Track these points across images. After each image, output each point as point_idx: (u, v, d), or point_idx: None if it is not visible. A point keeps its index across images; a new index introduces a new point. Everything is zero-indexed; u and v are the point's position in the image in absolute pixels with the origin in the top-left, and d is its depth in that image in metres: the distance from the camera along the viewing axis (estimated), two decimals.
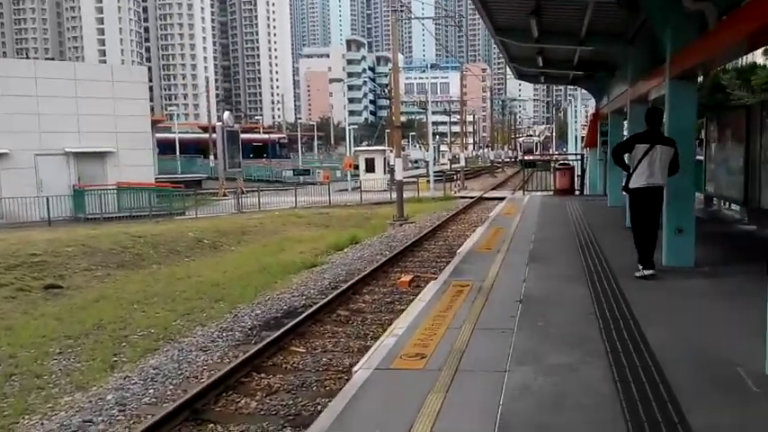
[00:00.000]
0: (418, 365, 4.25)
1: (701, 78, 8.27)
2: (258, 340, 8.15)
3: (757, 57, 19.64)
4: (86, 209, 23.41)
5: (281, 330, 8.14)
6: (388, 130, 47.30)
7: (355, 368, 4.35)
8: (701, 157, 12.85)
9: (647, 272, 6.83)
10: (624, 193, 7.20)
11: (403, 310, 7.95)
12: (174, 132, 47.79)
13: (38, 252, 14.67)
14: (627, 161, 6.86)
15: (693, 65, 6.80)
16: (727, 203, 12.74)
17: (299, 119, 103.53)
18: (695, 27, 6.91)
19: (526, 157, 33.89)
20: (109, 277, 13.79)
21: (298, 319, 8.60)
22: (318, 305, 9.36)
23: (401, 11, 24.32)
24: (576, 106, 28.19)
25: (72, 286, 12.95)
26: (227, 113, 29.24)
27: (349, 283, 10.82)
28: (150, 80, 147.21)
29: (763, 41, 5.36)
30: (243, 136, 44.54)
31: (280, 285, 11.77)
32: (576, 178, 19.55)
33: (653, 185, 6.69)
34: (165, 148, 45.34)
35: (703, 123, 13.03)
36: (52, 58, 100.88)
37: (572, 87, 27.34)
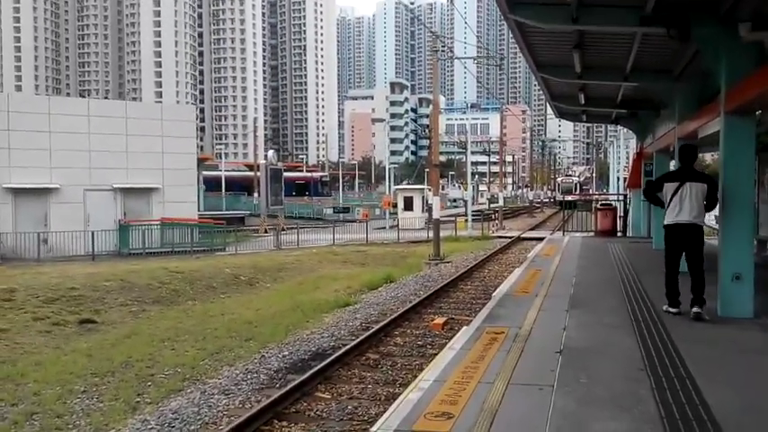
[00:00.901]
0: (444, 428, 3.80)
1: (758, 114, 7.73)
2: (283, 384, 7.81)
3: None
4: (130, 244, 23.81)
5: (307, 374, 7.78)
6: (427, 170, 47.15)
7: (373, 429, 3.93)
8: (755, 200, 12.06)
9: (672, 309, 7.04)
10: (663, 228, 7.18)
11: (435, 354, 7.51)
12: (221, 170, 48.83)
13: (76, 286, 14.85)
14: (661, 198, 6.99)
15: (752, 98, 6.31)
16: None
17: (342, 158, 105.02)
18: (752, 58, 6.46)
19: (566, 198, 32.92)
20: (143, 313, 13.79)
21: (325, 363, 8.24)
22: (347, 347, 8.98)
23: (442, 50, 24.33)
24: (617, 146, 27.42)
25: (106, 321, 12.97)
26: (270, 152, 29.72)
27: (380, 325, 10.43)
28: (203, 120, 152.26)
29: None
30: (286, 174, 45.23)
31: (311, 325, 11.46)
32: (618, 219, 18.76)
33: (681, 223, 6.72)
34: (211, 185, 46.36)
35: (756, 164, 12.27)
36: (106, 98, 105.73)
37: (613, 128, 26.78)
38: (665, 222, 6.90)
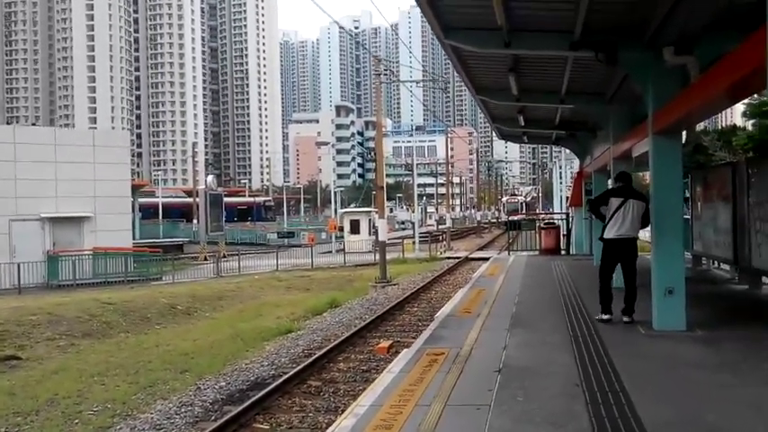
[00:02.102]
0: None
1: (694, 134, 8.09)
2: (219, 416, 7.46)
3: (737, 119, 19.96)
4: (60, 275, 22.68)
5: (244, 405, 7.48)
6: (374, 192, 47.27)
7: None
8: (688, 216, 12.57)
9: (605, 316, 7.53)
10: (600, 241, 7.56)
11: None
12: (158, 197, 47.49)
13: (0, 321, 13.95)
14: (603, 212, 7.37)
15: (677, 120, 6.56)
16: (717, 263, 12.38)
17: (287, 182, 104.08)
18: (677, 81, 6.71)
19: (511, 218, 33.10)
20: (72, 347, 13.07)
21: (263, 392, 7.95)
22: (287, 375, 8.71)
23: (386, 74, 24.58)
24: (560, 166, 28.26)
25: (32, 357, 12.22)
26: (209, 177, 29.05)
27: (323, 351, 10.20)
28: (140, 146, 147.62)
29: (747, 92, 5.10)
30: (227, 199, 44.45)
31: (251, 354, 11.10)
32: (561, 238, 19.20)
33: (624, 237, 7.18)
34: (148, 212, 44.95)
35: (688, 182, 12.84)
36: (34, 124, 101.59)
37: (557, 149, 27.55)
38: (607, 236, 7.28)
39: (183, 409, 7.94)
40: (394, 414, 4.35)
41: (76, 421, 7.97)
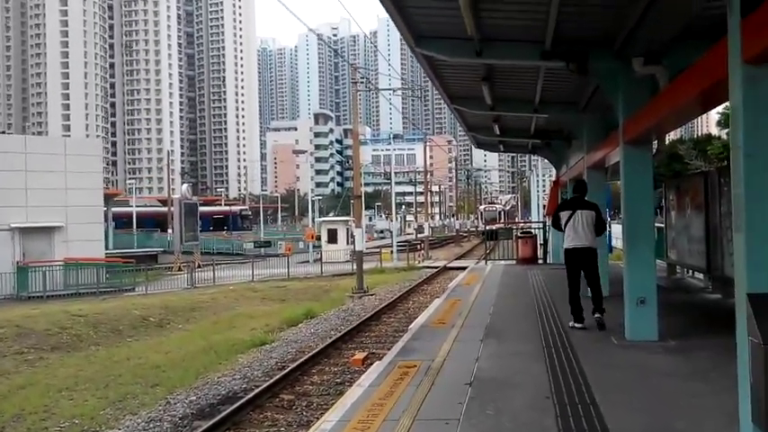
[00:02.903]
0: None
1: (656, 143, 8.15)
2: None
3: (712, 128, 20.41)
4: (29, 286, 22.18)
5: (214, 420, 7.33)
6: (353, 201, 47.10)
7: None
8: (661, 225, 12.71)
9: (577, 324, 7.70)
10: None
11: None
12: (132, 206, 46.76)
13: None
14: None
15: (646, 129, 6.59)
16: (691, 272, 12.50)
17: (265, 191, 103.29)
18: (647, 91, 6.77)
19: (488, 227, 32.78)
20: (41, 361, 12.81)
21: (234, 406, 7.80)
22: (260, 389, 8.57)
23: (361, 82, 24.56)
24: (537, 175, 28.44)
25: None
26: (184, 186, 28.72)
27: (297, 363, 10.07)
28: (114, 154, 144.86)
29: (716, 100, 5.13)
30: (203, 209, 43.91)
31: (223, 367, 10.92)
32: (538, 247, 19.26)
33: (578, 246, 7.50)
34: (122, 222, 44.20)
35: (662, 191, 12.99)
36: (3, 132, 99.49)
37: (536, 157, 27.73)
38: (565, 246, 7.71)
39: (151, 425, 7.78)
40: (361, 429, 4.26)
41: None
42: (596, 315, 7.62)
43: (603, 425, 4.25)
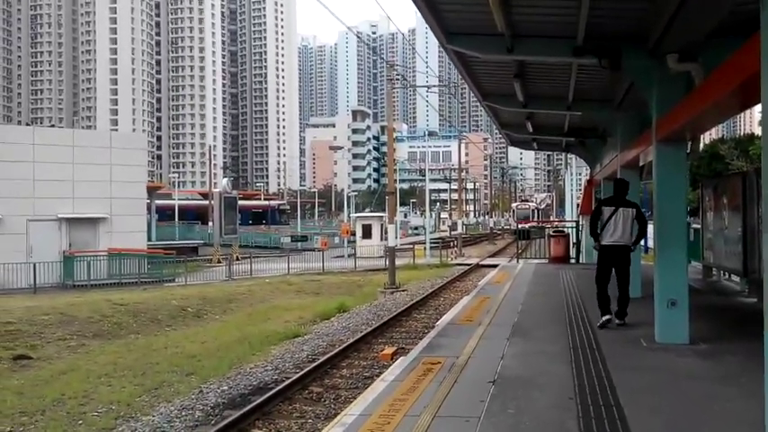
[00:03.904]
0: None
1: (697, 143, 7.98)
2: (218, 420, 7.49)
3: (755, 127, 19.72)
4: (75, 275, 22.93)
5: (245, 410, 7.49)
6: (387, 197, 47.12)
7: None
8: (698, 226, 12.39)
9: (604, 318, 7.78)
10: (595, 249, 8.02)
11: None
12: (174, 199, 47.89)
13: (13, 320, 14.18)
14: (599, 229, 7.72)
15: (680, 127, 6.45)
16: (727, 274, 12.16)
17: (303, 186, 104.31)
18: (681, 89, 6.62)
19: (520, 226, 31.82)
20: (82, 347, 13.22)
21: (264, 397, 7.96)
22: (290, 381, 8.71)
23: (397, 80, 24.58)
24: (572, 174, 27.97)
25: (42, 357, 12.39)
26: (224, 180, 29.25)
27: (327, 356, 10.19)
28: (159, 148, 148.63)
29: (750, 98, 4.97)
30: (242, 203, 44.63)
31: (257, 357, 11.13)
32: (571, 246, 18.99)
33: (618, 244, 7.55)
34: (165, 214, 45.32)
35: (699, 191, 12.68)
36: (53, 125, 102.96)
37: (571, 155, 27.25)
38: (603, 242, 7.64)
39: (183, 413, 7.99)
40: (382, 424, 4.32)
41: (80, 422, 8.04)
42: (617, 320, 7.78)
43: (626, 427, 4.21)
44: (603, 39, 6.78)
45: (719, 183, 11.73)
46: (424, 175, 48.29)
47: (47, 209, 23.63)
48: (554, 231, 19.50)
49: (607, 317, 7.78)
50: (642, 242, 11.98)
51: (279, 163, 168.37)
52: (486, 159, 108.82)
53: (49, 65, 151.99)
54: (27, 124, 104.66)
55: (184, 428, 7.41)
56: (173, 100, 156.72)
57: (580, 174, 30.63)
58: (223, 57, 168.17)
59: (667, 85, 6.77)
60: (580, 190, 28.31)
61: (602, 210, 7.71)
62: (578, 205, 24.63)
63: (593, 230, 7.83)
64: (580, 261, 18.54)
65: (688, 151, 7.22)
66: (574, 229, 20.48)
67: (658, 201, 6.94)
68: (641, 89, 7.38)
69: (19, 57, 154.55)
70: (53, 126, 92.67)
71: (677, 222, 6.93)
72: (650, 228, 9.19)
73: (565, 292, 11.49)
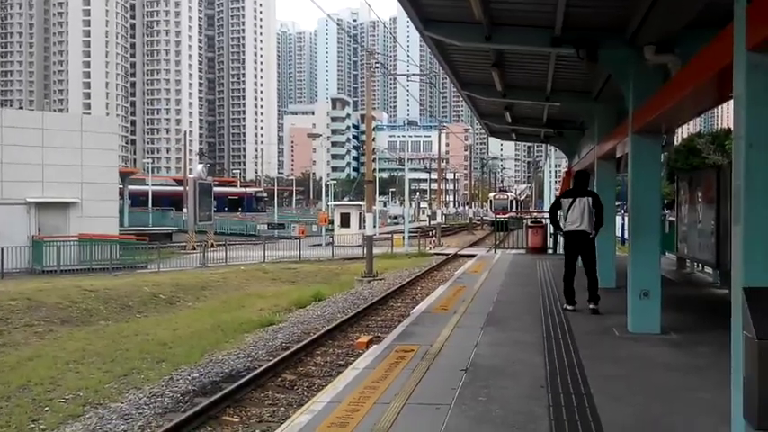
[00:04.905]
0: None
1: (672, 135, 8.09)
2: (188, 408, 7.38)
3: (731, 123, 20.04)
4: (44, 261, 22.47)
5: (215, 397, 7.40)
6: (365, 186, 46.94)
7: None
8: (674, 218, 12.54)
9: (569, 306, 8.29)
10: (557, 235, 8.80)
11: None
12: (148, 185, 47.18)
13: None
14: (559, 219, 8.38)
15: (655, 119, 6.46)
16: (700, 266, 12.35)
17: (281, 174, 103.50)
18: (658, 81, 6.63)
19: (498, 217, 31.40)
20: (50, 334, 12.97)
21: (235, 385, 7.88)
22: (262, 368, 8.64)
23: (376, 67, 24.43)
24: (550, 165, 28.13)
25: (9, 343, 12.14)
26: (199, 166, 28.85)
27: (302, 344, 10.13)
28: (134, 133, 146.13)
29: (724, 90, 4.98)
30: (218, 189, 44.16)
31: (230, 345, 11.02)
32: (548, 237, 19.13)
33: (577, 230, 8.01)
34: (138, 200, 44.64)
35: (675, 185, 12.83)
36: (21, 107, 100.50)
37: (551, 147, 27.36)
38: (564, 230, 8.25)
39: (152, 400, 7.87)
40: (351, 411, 4.27)
41: (46, 408, 7.90)
42: (591, 305, 8.04)
43: (596, 415, 4.23)
44: (581, 29, 6.76)
45: (694, 176, 11.88)
46: (404, 165, 48.25)
47: (15, 192, 23.13)
48: (532, 222, 19.62)
49: (571, 307, 8.27)
50: (619, 234, 12.13)
51: (256, 150, 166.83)
52: (466, 150, 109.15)
53: (20, 46, 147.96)
54: (9, 107, 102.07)
55: (153, 415, 7.29)
56: (148, 84, 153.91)
57: (559, 165, 30.82)
58: (200, 42, 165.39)
59: (644, 77, 6.78)
60: (559, 181, 28.49)
61: (561, 201, 8.34)
62: (557, 196, 24.73)
63: (553, 220, 8.55)
64: (557, 251, 18.69)
65: (663, 143, 7.26)
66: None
67: (633, 192, 6.97)
68: (618, 80, 7.38)
69: None
70: (21, 108, 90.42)
71: (651, 214, 6.98)
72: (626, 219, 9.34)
73: (540, 282, 11.55)
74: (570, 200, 8.12)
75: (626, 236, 17.89)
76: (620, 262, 10.64)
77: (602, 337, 6.81)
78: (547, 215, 23.42)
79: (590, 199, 8.04)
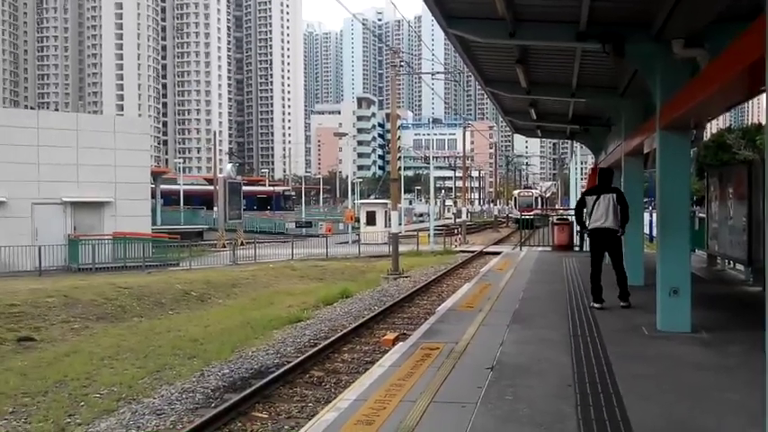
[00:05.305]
0: None
1: (702, 130, 7.96)
2: (219, 403, 7.53)
3: (762, 117, 19.52)
4: (80, 258, 23.03)
5: (244, 393, 7.53)
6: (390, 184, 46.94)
7: None
8: (703, 215, 12.30)
9: (596, 304, 8.23)
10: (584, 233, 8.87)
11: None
12: (179, 184, 47.98)
13: (17, 303, 14.24)
14: (584, 217, 8.34)
15: (684, 114, 6.35)
16: (732, 263, 12.10)
17: (309, 172, 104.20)
18: (686, 75, 6.53)
19: (523, 215, 30.69)
20: (86, 330, 13.30)
21: (265, 381, 8.00)
22: (291, 364, 8.75)
23: (401, 66, 24.44)
24: (576, 162, 27.77)
25: (46, 339, 12.47)
26: (228, 166, 29.25)
27: (329, 341, 10.23)
28: (165, 134, 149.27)
29: (754, 84, 4.89)
30: (247, 188, 44.69)
31: (259, 341, 11.18)
32: (575, 234, 18.92)
33: (603, 227, 8.01)
34: (170, 199, 45.44)
35: (705, 180, 12.59)
36: (56, 109, 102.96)
37: (577, 144, 27.03)
38: (589, 227, 8.22)
39: (184, 395, 8.03)
40: (377, 409, 4.31)
41: (82, 404, 8.09)
42: (622, 303, 8.09)
43: (624, 416, 4.17)
44: (607, 24, 6.68)
45: (725, 172, 11.63)
46: (429, 163, 48.17)
47: (51, 192, 23.72)
48: (558, 219, 19.44)
49: (598, 305, 8.21)
50: (647, 231, 11.98)
51: (284, 149, 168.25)
52: (491, 147, 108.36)
53: (56, 50, 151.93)
54: (30, 108, 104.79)
55: (185, 411, 7.44)
56: (178, 86, 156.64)
57: (585, 162, 30.42)
58: (228, 43, 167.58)
59: (671, 72, 6.67)
60: (585, 178, 28.09)
61: (585, 199, 8.32)
62: (582, 194, 24.42)
63: (578, 218, 8.61)
64: (584, 249, 18.47)
65: (692, 139, 7.14)
66: None
67: (661, 189, 6.87)
68: (645, 75, 7.28)
69: (25, 42, 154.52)
70: (57, 110, 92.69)
71: (680, 210, 6.87)
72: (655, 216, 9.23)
73: (567, 279, 11.45)
74: (595, 197, 8.11)
75: (653, 233, 17.67)
76: (647, 259, 10.52)
77: (630, 335, 6.73)
78: (573, 212, 23.23)
79: (614, 195, 8.03)
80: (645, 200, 15.16)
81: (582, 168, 29.48)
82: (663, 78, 6.77)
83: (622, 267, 8.16)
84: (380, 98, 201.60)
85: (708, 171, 12.52)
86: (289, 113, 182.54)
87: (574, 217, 9.47)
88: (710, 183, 12.04)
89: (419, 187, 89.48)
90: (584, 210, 8.28)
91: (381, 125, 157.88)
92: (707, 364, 5.58)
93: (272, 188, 59.79)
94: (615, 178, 13.76)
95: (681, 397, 4.64)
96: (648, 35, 6.62)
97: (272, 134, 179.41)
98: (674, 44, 6.25)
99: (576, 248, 18.48)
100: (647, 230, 18.40)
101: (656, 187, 7.00)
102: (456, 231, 36.34)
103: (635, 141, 9.32)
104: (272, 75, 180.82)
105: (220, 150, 58.33)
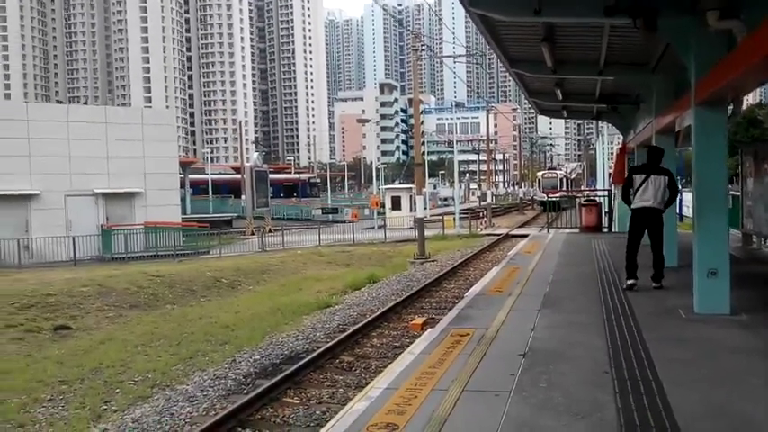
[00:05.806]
0: None
1: (739, 105, 7.65)
2: (251, 389, 7.61)
3: None
4: (113, 248, 23.50)
5: (276, 379, 7.59)
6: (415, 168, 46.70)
7: None
8: (737, 193, 11.95)
9: (629, 281, 8.08)
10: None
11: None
12: (207, 173, 48.51)
13: (53, 292, 14.59)
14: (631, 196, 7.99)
15: (720, 88, 6.11)
16: None
17: (333, 159, 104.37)
18: (722, 48, 6.25)
19: (549, 197, 29.93)
20: (120, 318, 13.57)
21: (295, 366, 8.05)
22: (321, 350, 8.80)
23: (422, 50, 24.16)
24: (603, 142, 27.18)
25: (82, 327, 12.75)
26: (255, 154, 29.48)
27: (358, 326, 10.25)
28: (192, 124, 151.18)
29: None
30: (273, 176, 44.99)
31: (289, 327, 11.26)
32: (603, 215, 18.57)
33: (647, 206, 7.78)
34: (199, 188, 45.99)
35: (739, 158, 12.21)
36: (85, 103, 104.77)
37: (602, 124, 26.49)
38: (633, 206, 7.93)
39: (217, 382, 8.13)
40: (409, 398, 4.25)
41: (117, 390, 8.25)
42: (654, 284, 7.99)
43: (666, 403, 4.03)
44: None
45: (760, 148, 11.27)
46: (453, 147, 47.79)
47: (83, 184, 24.20)
48: (585, 200, 19.09)
49: (632, 281, 8.03)
50: (677, 209, 11.68)
51: (309, 137, 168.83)
52: (515, 130, 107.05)
53: (83, 45, 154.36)
54: (61, 102, 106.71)
55: (217, 397, 7.54)
56: (203, 77, 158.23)
57: (611, 142, 29.76)
58: (251, 33, 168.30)
59: (707, 45, 6.39)
60: (611, 158, 27.49)
61: (634, 178, 7.94)
62: (610, 174, 24.01)
63: (626, 198, 8.14)
64: (612, 230, 18.15)
65: (729, 114, 6.88)
66: (606, 198, 19.98)
67: (697, 167, 6.64)
68: (679, 50, 7.01)
69: (54, 38, 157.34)
70: (96, 104, 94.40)
71: (717, 189, 6.64)
72: (687, 196, 9.03)
73: (597, 261, 11.24)
74: (643, 176, 7.82)
75: (684, 212, 17.20)
76: (681, 239, 10.27)
77: (666, 318, 6.56)
78: (600, 193, 22.83)
79: (666, 178, 7.77)
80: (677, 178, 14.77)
81: (609, 149, 28.79)
82: (698, 52, 6.52)
83: (661, 249, 7.98)
84: (402, 83, 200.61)
85: (741, 148, 12.13)
86: (312, 101, 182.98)
87: (620, 196, 9.03)
88: (745, 159, 11.68)
89: (443, 171, 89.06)
90: (631, 188, 7.98)
91: (404, 110, 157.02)
92: (748, 347, 5.40)
93: (297, 176, 60.13)
94: (644, 158, 13.53)
95: (723, 381, 4.49)
96: (682, 7, 6.36)
97: (297, 122, 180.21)
98: (709, 15, 5.98)
99: (605, 230, 18.16)
100: (677, 210, 17.99)
101: (692, 166, 6.78)
102: (481, 215, 36.09)
103: (667, 119, 9.05)
104: (294, 64, 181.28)
105: (246, 139, 58.84)
